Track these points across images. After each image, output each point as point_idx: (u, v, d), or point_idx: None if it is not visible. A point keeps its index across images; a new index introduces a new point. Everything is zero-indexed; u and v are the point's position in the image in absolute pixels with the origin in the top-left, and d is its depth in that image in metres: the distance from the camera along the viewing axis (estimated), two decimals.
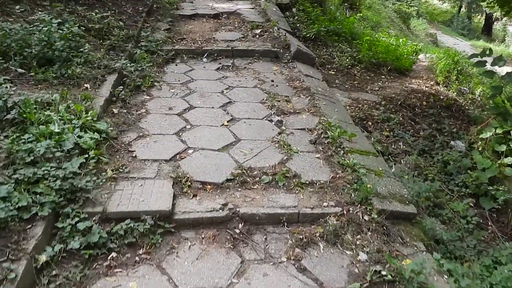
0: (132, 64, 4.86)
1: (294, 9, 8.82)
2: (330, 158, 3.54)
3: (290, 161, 3.44)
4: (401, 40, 10.95)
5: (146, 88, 4.65)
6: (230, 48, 6.00)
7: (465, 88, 8.81)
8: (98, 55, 4.76)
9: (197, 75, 5.27)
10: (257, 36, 6.75)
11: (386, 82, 7.37)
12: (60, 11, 5.58)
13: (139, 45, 5.63)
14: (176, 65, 5.63)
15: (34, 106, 3.41)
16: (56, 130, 3.16)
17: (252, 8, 8.31)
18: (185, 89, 4.81)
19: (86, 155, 3.11)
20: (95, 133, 3.37)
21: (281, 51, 6.23)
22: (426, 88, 6.98)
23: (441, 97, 6.63)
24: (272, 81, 5.22)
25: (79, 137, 3.24)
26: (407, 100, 6.16)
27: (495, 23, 40.13)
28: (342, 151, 3.64)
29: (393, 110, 5.77)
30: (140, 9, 6.91)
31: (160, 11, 7.40)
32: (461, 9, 40.48)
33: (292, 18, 8.41)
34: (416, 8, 23.59)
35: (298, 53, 6.10)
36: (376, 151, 3.99)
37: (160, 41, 5.98)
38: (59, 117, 3.35)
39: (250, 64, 5.82)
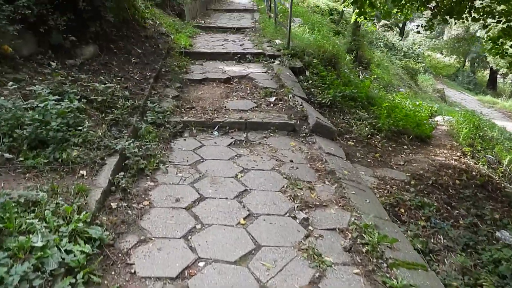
0: (136, 142, 4.35)
1: (307, 73, 8.48)
2: (372, 275, 2.89)
3: (323, 280, 2.80)
4: (417, 102, 10.58)
5: (151, 172, 4.10)
6: (243, 121, 5.52)
7: (490, 156, 8.25)
8: (98, 133, 4.26)
9: (207, 153, 4.74)
10: (272, 105, 6.30)
11: (410, 154, 6.85)
12: (62, 79, 5.17)
13: (145, 117, 5.17)
14: (185, 139, 5.12)
15: (16, 210, 2.84)
16: (39, 245, 2.56)
17: (265, 72, 7.95)
18: (194, 172, 4.25)
19: (74, 277, 2.50)
20: (87, 244, 2.77)
21: (298, 123, 5.74)
22: (455, 163, 6.41)
23: (474, 173, 6.05)
24: (291, 161, 4.67)
25: (67, 251, 2.64)
26: (438, 179, 5.57)
27: (499, 77, 40.41)
28: (385, 264, 3.01)
29: (425, 191, 5.17)
30: (148, 74, 6.53)
31: (169, 75, 7.02)
32: (465, 63, 40.97)
33: (306, 83, 8.04)
34: (424, 64, 23.65)
35: (317, 126, 5.61)
36: (424, 260, 3.33)
37: (168, 112, 5.52)
38: (45, 225, 2.76)
39: (265, 139, 5.31)
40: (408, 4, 7.59)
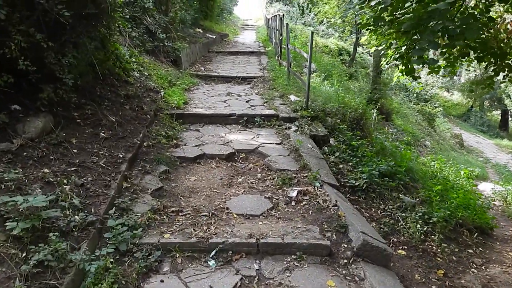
0: None
1: (332, 141, 6.68)
2: None
3: None
4: (461, 170, 8.73)
5: None
6: (254, 241, 3.63)
7: None
8: None
9: None
10: (293, 202, 4.44)
11: (482, 266, 4.95)
12: None
13: (101, 245, 3.31)
14: (162, 281, 3.22)
15: None
16: None
17: (279, 144, 6.14)
18: None
19: None
20: None
21: (335, 238, 3.87)
22: None
23: None
24: None
25: None
26: None
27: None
28: None
29: None
30: (121, 155, 4.70)
31: (152, 153, 5.20)
32: (478, 104, 39.53)
33: (333, 156, 6.21)
34: (441, 109, 22.02)
35: (364, 247, 3.72)
36: None
37: (140, 226, 3.66)
38: None
39: (288, 275, 3.41)
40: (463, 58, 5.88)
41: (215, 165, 5.41)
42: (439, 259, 4.79)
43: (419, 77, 6.02)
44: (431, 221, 5.28)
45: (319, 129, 6.67)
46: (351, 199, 5.35)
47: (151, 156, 5.12)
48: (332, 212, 4.25)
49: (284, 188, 4.77)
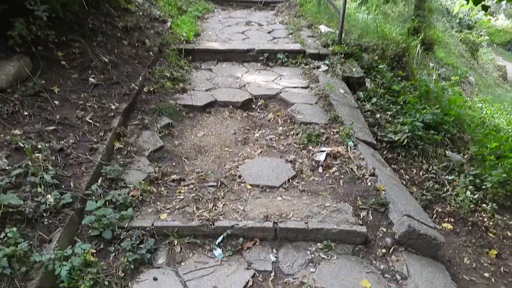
0: None
1: (368, 83, 5.66)
2: None
3: None
4: None
5: None
6: (270, 225, 2.90)
7: None
8: None
9: None
10: (320, 169, 3.62)
11: None
12: None
13: (80, 229, 2.65)
14: (156, 279, 2.58)
15: None
16: None
17: (306, 88, 5.17)
18: None
19: None
20: None
21: (371, 218, 3.10)
22: None
23: None
24: None
25: None
26: None
27: None
28: None
29: None
30: (113, 106, 3.91)
31: (153, 101, 4.39)
32: None
33: (368, 103, 5.26)
34: (487, 38, 19.88)
35: (409, 235, 2.94)
36: None
37: (130, 204, 2.96)
38: None
39: (311, 269, 2.72)
40: None
41: (228, 115, 4.58)
42: (491, 234, 3.99)
43: (489, 7, 4.79)
44: (483, 186, 4.42)
45: (354, 70, 5.63)
46: (389, 158, 4.50)
47: (152, 105, 4.30)
48: (369, 184, 3.43)
49: (310, 147, 3.94)
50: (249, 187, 3.31)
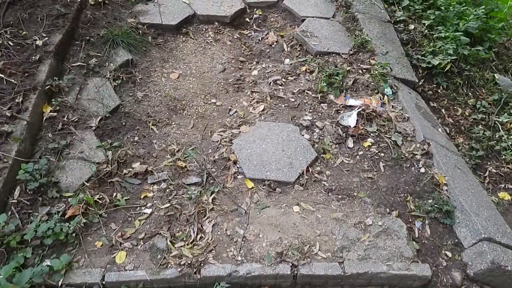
0: None
1: None
2: None
3: None
4: None
5: None
6: (288, 271, 1.88)
7: None
8: None
9: None
10: (350, 143, 2.52)
11: None
12: None
13: None
14: None
15: None
16: None
17: None
18: None
19: None
20: None
21: (429, 233, 2.15)
22: None
23: None
24: None
25: None
26: None
27: None
28: None
29: None
30: (40, 42, 2.57)
31: (103, 19, 3.01)
32: None
33: (399, 7, 3.90)
34: None
35: (489, 272, 2.00)
36: None
37: (68, 234, 1.90)
38: None
39: None
40: None
41: (213, 38, 3.24)
42: None
43: None
44: None
45: None
46: (427, 92, 3.40)
47: (101, 29, 2.93)
48: (423, 170, 2.38)
49: (331, 97, 2.78)
50: (250, 185, 2.24)
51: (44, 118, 2.33)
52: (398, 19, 3.83)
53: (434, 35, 3.79)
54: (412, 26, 3.86)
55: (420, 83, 3.41)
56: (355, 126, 2.53)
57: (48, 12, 2.76)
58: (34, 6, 2.76)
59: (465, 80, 3.69)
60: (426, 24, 3.89)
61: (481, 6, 4.21)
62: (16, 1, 2.72)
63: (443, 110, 3.45)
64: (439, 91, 3.56)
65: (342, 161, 2.38)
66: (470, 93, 3.68)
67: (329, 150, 2.42)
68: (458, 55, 3.61)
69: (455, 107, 3.52)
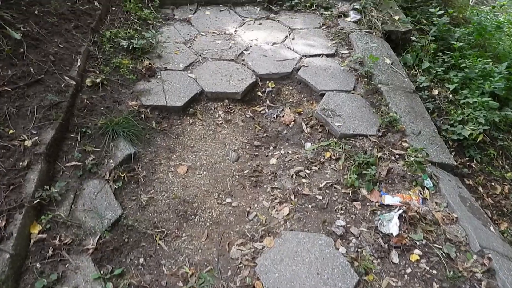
0: None
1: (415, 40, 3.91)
2: None
3: None
4: None
5: None
6: None
7: None
8: None
9: None
10: (396, 256, 2.11)
11: None
12: None
13: None
14: None
15: None
16: None
17: (333, 54, 3.44)
18: None
19: None
20: None
21: None
22: None
23: None
24: None
25: None
26: None
27: None
28: None
29: None
30: (28, 143, 2.21)
31: (102, 103, 2.68)
32: None
33: (419, 70, 3.64)
34: None
35: None
36: None
37: None
38: None
39: None
40: None
41: (223, 118, 2.92)
42: None
43: None
44: None
45: (397, 18, 3.83)
46: (461, 170, 3.07)
47: (99, 115, 2.59)
48: None
49: (364, 193, 2.42)
50: None
51: (32, 241, 1.95)
52: (420, 85, 3.55)
53: (461, 101, 3.50)
54: (436, 92, 3.59)
55: (455, 163, 3.07)
56: (398, 235, 2.17)
57: (39, 103, 2.42)
58: (24, 97, 2.42)
59: (499, 150, 3.38)
60: (449, 88, 3.62)
61: (504, 63, 3.96)
62: (3, 93, 2.38)
63: (480, 189, 3.12)
64: (473, 165, 3.24)
65: (389, 283, 2.00)
66: (506, 165, 3.36)
67: (371, 269, 2.04)
68: (489, 122, 3.31)
69: (493, 184, 3.19)
